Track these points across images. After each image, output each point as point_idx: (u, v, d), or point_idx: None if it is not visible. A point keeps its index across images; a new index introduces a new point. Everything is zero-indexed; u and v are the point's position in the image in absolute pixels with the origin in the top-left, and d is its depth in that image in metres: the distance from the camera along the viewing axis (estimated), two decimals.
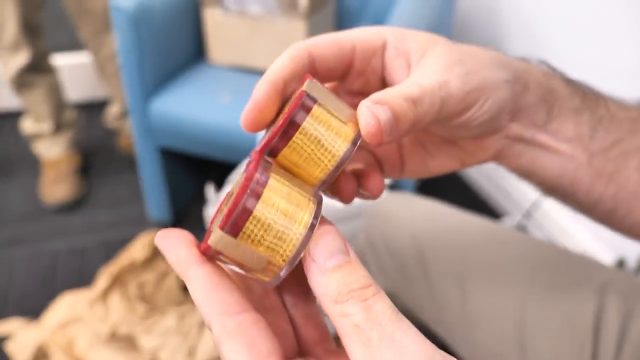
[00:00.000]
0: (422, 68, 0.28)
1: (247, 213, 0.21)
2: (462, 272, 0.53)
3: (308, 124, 0.24)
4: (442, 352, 0.20)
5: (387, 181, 1.20)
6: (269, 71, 0.27)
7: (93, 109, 1.97)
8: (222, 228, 0.21)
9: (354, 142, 0.25)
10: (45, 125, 1.54)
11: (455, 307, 0.53)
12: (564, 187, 0.34)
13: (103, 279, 1.18)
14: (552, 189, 0.35)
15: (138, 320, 1.12)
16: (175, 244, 0.23)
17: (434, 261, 0.55)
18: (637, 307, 0.47)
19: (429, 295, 0.55)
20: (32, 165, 1.68)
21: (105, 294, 1.16)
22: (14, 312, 1.23)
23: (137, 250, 1.25)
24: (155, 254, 1.27)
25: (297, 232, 0.22)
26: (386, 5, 1.38)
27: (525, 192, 1.45)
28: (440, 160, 0.34)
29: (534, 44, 1.32)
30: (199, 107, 1.21)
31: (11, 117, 1.90)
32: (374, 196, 0.31)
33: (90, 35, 1.52)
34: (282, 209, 0.22)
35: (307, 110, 0.24)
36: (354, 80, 0.31)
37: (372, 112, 0.24)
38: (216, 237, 0.22)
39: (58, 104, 1.55)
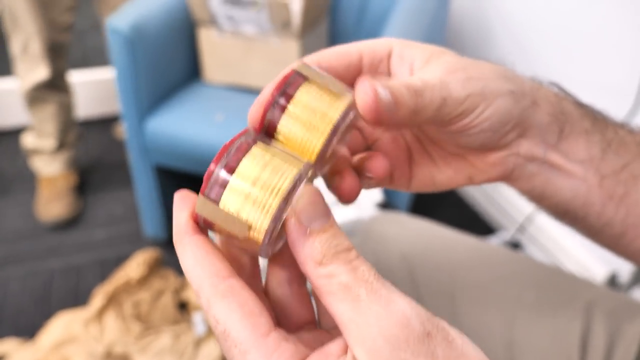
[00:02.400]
0: (425, 70, 0.29)
1: (222, 180, 0.23)
2: (452, 292, 0.54)
3: (301, 93, 0.25)
4: (425, 309, 0.20)
5: (379, 199, 1.21)
6: (279, 76, 0.28)
7: (90, 126, 1.99)
8: (202, 193, 0.23)
9: (349, 108, 0.26)
10: (47, 143, 1.55)
11: None
12: (576, 210, 0.34)
13: (98, 298, 1.18)
14: (564, 212, 0.35)
15: (133, 339, 1.12)
16: (183, 208, 0.24)
17: (424, 281, 0.56)
18: (624, 326, 0.48)
19: None
20: (28, 183, 1.69)
21: (101, 313, 1.16)
22: (8, 331, 1.23)
23: (132, 268, 1.25)
24: (151, 273, 1.27)
25: (272, 201, 0.22)
26: (379, 23, 1.40)
27: (519, 207, 1.47)
28: (448, 174, 0.34)
29: (526, 60, 1.34)
30: (194, 126, 1.22)
31: (8, 135, 1.90)
32: (378, 176, 0.30)
33: None
34: (257, 176, 0.23)
35: (297, 84, 0.26)
36: None
37: (371, 85, 0.25)
38: (199, 202, 0.23)
39: (66, 123, 1.57)
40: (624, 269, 1.12)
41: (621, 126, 0.35)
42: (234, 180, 0.23)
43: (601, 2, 1.10)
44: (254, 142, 0.24)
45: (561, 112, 0.32)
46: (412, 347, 0.19)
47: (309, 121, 0.25)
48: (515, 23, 1.39)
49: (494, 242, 1.31)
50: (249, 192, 0.22)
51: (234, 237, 0.23)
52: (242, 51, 1.28)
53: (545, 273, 0.55)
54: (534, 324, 0.50)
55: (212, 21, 1.25)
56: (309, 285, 0.26)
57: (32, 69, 1.42)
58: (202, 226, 0.24)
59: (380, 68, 0.31)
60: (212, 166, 0.23)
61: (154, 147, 1.26)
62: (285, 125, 0.25)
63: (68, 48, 1.48)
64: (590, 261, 1.26)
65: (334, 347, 0.22)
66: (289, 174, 0.23)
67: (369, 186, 0.31)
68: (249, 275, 0.27)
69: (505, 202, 1.53)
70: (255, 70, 1.29)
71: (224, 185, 0.23)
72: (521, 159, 0.32)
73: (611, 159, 0.33)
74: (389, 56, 0.30)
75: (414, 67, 0.30)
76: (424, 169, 0.34)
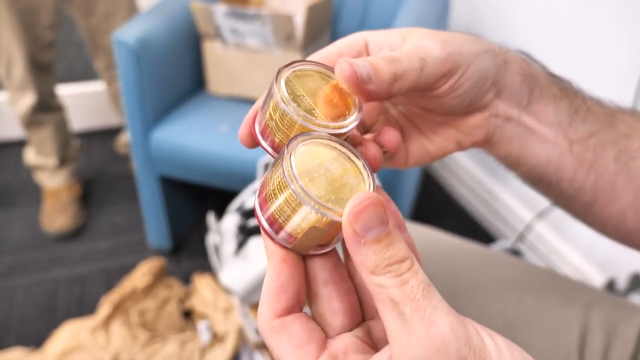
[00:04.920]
0: (403, 45, 0.30)
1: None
2: (453, 296, 0.56)
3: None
4: (474, 323, 0.21)
5: None
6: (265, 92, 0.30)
7: (92, 138, 2.01)
8: (272, 240, 0.25)
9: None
10: (50, 160, 1.57)
11: None
12: (550, 175, 0.35)
13: (104, 307, 1.20)
14: (539, 178, 0.36)
15: (139, 347, 1.14)
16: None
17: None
18: (620, 327, 0.50)
19: None
20: (32, 194, 1.71)
21: (107, 321, 1.17)
22: (15, 341, 1.24)
23: (138, 277, 1.26)
24: (156, 282, 1.29)
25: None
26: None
27: (519, 216, 1.48)
28: (438, 143, 0.35)
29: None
30: (199, 137, 1.25)
31: (12, 147, 1.92)
32: (393, 148, 0.31)
33: (103, 68, 1.58)
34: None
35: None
36: None
37: (347, 60, 0.27)
38: (274, 248, 0.25)
39: (64, 140, 1.59)
40: (622, 274, 1.14)
41: (589, 97, 0.37)
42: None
43: None
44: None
45: (530, 75, 0.34)
46: None
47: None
48: (514, 33, 1.42)
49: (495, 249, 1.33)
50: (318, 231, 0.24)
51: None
52: (246, 63, 1.31)
53: (544, 277, 0.57)
54: (533, 325, 0.52)
55: (217, 34, 1.28)
56: None
57: (20, 96, 1.43)
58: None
59: None
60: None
61: (158, 157, 1.28)
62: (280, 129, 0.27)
63: (52, 66, 1.49)
64: (589, 268, 1.28)
65: (380, 356, 0.23)
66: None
67: (387, 165, 0.33)
68: (331, 268, 0.27)
69: (505, 210, 1.55)
70: (259, 82, 1.32)
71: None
72: (500, 120, 0.34)
73: (579, 126, 0.35)
74: (366, 47, 0.32)
75: (393, 47, 0.31)
76: (417, 142, 0.36)
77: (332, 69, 0.29)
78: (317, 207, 0.23)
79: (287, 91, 0.26)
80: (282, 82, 0.27)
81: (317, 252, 0.26)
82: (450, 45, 0.30)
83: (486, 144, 0.35)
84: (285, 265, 0.24)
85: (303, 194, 0.23)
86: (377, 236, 0.21)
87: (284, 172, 0.23)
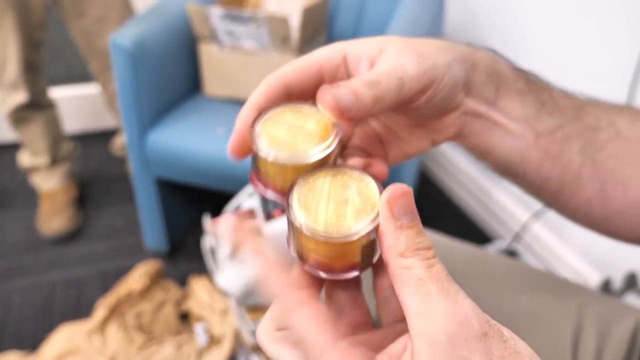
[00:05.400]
0: (380, 62, 0.31)
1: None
2: None
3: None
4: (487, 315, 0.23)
5: None
6: (249, 102, 0.30)
7: (89, 140, 2.01)
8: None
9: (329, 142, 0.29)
10: (42, 159, 1.57)
11: None
12: (516, 166, 0.37)
13: (100, 310, 1.20)
14: (506, 168, 0.38)
15: (136, 350, 1.13)
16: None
17: None
18: (613, 327, 0.50)
19: None
20: (29, 197, 1.70)
21: (103, 324, 1.17)
22: (11, 344, 1.24)
23: (134, 280, 1.26)
24: (152, 284, 1.29)
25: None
26: (377, 33, 1.43)
27: (515, 216, 1.49)
28: (415, 144, 0.37)
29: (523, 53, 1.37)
30: (195, 139, 1.25)
31: (8, 150, 1.92)
32: (383, 179, 0.32)
33: (98, 71, 1.58)
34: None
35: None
36: None
37: (328, 89, 0.28)
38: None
39: (55, 138, 1.58)
40: (618, 274, 1.14)
41: (557, 90, 0.38)
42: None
43: None
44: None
45: (496, 72, 0.35)
46: (470, 344, 0.21)
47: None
48: (508, 33, 1.42)
49: (490, 250, 1.33)
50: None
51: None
52: (242, 65, 1.31)
53: (539, 278, 0.57)
54: (528, 325, 0.52)
55: (213, 36, 1.28)
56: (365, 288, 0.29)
57: (10, 95, 1.43)
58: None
59: (339, 74, 0.33)
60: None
61: (155, 159, 1.28)
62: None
63: (42, 66, 1.49)
64: (585, 268, 1.28)
65: (395, 347, 0.24)
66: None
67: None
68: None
69: (501, 211, 1.55)
70: (255, 84, 1.31)
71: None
72: (469, 117, 0.35)
73: (545, 119, 0.36)
74: (344, 59, 0.33)
75: (371, 60, 0.32)
76: (395, 147, 0.37)
77: (299, 103, 0.30)
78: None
79: (266, 139, 0.28)
80: (261, 137, 0.28)
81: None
82: (425, 60, 0.31)
83: (457, 138, 0.37)
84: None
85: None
86: (410, 222, 0.24)
87: (302, 232, 0.25)
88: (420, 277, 0.23)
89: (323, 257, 0.25)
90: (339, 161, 0.31)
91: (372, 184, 0.27)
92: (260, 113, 0.30)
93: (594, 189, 0.38)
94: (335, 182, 0.27)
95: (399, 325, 0.27)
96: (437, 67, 0.31)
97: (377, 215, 0.25)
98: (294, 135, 0.28)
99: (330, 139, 0.28)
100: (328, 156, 0.28)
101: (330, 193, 0.26)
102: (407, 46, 0.31)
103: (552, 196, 0.39)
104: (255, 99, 0.31)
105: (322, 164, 0.28)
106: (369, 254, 0.26)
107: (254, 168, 0.29)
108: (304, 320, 0.24)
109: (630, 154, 0.38)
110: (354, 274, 0.26)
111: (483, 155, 0.38)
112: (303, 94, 0.32)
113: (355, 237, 0.24)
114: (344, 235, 0.24)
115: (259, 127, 0.29)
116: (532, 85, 0.37)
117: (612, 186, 0.38)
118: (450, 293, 0.22)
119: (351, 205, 0.25)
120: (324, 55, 0.32)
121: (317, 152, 0.28)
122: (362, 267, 0.26)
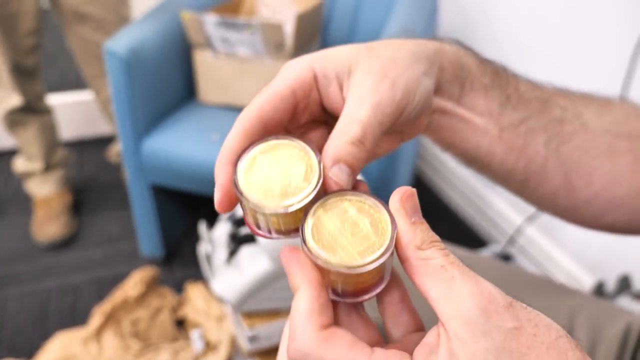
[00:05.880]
0: (353, 94, 0.31)
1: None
2: None
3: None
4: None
5: None
6: (225, 151, 0.29)
7: (84, 146, 2.01)
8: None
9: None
10: (36, 165, 1.57)
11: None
12: (481, 158, 0.38)
13: (96, 317, 1.19)
14: (471, 160, 0.39)
15: (132, 357, 1.13)
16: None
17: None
18: (604, 329, 0.51)
19: None
20: (23, 204, 1.70)
21: (99, 331, 1.17)
22: (6, 352, 1.23)
23: (130, 287, 1.26)
24: (148, 291, 1.29)
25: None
26: (371, 39, 1.44)
27: (510, 220, 1.50)
28: (386, 147, 0.38)
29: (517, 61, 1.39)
30: (190, 146, 1.25)
31: (3, 157, 1.92)
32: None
33: (92, 77, 1.57)
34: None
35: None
36: (300, 116, 0.33)
37: (332, 180, 0.28)
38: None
39: (50, 144, 1.58)
40: (611, 277, 1.15)
41: (525, 82, 0.39)
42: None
43: None
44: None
45: (461, 69, 0.36)
46: (501, 314, 0.23)
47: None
48: (501, 34, 1.43)
49: (485, 254, 1.34)
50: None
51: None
52: (236, 72, 1.31)
53: (533, 282, 0.57)
54: None
55: (207, 43, 1.29)
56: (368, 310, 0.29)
57: (4, 98, 1.43)
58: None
59: (312, 95, 0.32)
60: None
61: (150, 166, 1.28)
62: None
63: (39, 70, 1.50)
64: (578, 271, 1.29)
65: (429, 338, 0.24)
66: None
67: None
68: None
69: (496, 215, 1.56)
70: (250, 90, 1.33)
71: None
72: (437, 114, 0.36)
73: (509, 114, 0.37)
74: (315, 81, 0.32)
75: (342, 84, 0.32)
76: None
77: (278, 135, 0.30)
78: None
79: (253, 191, 0.28)
80: (248, 192, 0.28)
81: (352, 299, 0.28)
82: (397, 87, 0.31)
83: (424, 132, 0.38)
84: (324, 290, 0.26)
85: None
86: (420, 219, 0.26)
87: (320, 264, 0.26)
88: (442, 264, 0.24)
89: (349, 286, 0.26)
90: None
91: (373, 204, 0.27)
92: (239, 155, 0.29)
93: (559, 180, 0.39)
94: (340, 213, 0.27)
95: (415, 336, 0.27)
96: (409, 91, 0.32)
97: (391, 236, 0.26)
98: (280, 178, 0.28)
99: (316, 173, 0.28)
100: (318, 192, 0.28)
101: (341, 223, 0.27)
102: (378, 70, 0.31)
103: (518, 186, 0.40)
104: (233, 140, 0.29)
105: (315, 201, 0.27)
106: (387, 268, 0.27)
107: (248, 217, 0.29)
108: (340, 350, 0.24)
109: (595, 145, 0.39)
110: (380, 288, 0.28)
111: (448, 147, 0.39)
112: (278, 125, 0.31)
113: (381, 261, 0.25)
114: (369, 261, 0.25)
115: (241, 180, 0.28)
116: (498, 79, 0.37)
117: (577, 177, 0.39)
118: (470, 275, 0.24)
119: (364, 229, 0.26)
120: (295, 79, 0.31)
121: (310, 191, 0.27)
122: (384, 281, 0.28)
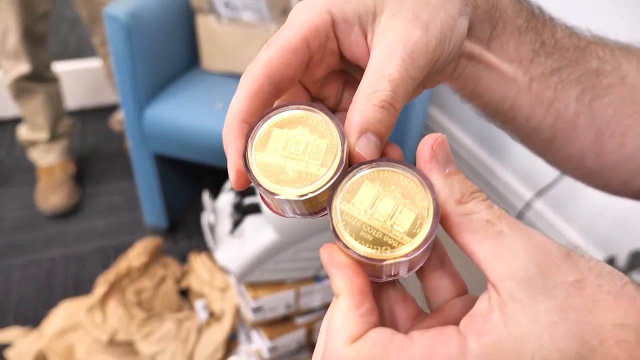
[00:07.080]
0: (380, 43, 0.26)
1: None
2: None
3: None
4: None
5: None
6: (232, 119, 0.26)
7: (86, 116, 1.98)
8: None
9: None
10: (41, 135, 1.55)
11: None
12: (505, 111, 0.34)
13: (100, 287, 1.19)
14: (494, 112, 0.35)
15: (136, 326, 1.13)
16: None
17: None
18: None
19: None
20: (27, 173, 1.69)
21: (103, 300, 1.17)
22: (12, 320, 1.24)
23: (134, 257, 1.25)
24: (152, 261, 1.28)
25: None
26: None
27: (518, 194, 1.47)
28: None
29: None
30: (193, 114, 1.22)
31: (6, 125, 1.90)
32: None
33: (99, 43, 1.55)
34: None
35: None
36: (315, 70, 0.29)
37: (360, 153, 0.25)
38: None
39: (56, 114, 1.56)
40: (622, 253, 1.13)
41: (564, 28, 0.34)
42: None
43: None
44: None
45: (495, 7, 0.31)
46: (560, 268, 0.20)
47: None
48: None
49: None
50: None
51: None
52: (241, 38, 1.28)
53: None
54: None
55: (211, 8, 1.25)
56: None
57: (13, 66, 1.41)
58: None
59: (329, 45, 0.28)
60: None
61: (153, 135, 1.26)
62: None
63: (46, 38, 1.47)
64: (588, 246, 1.27)
65: (479, 306, 0.21)
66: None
67: None
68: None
69: (504, 189, 1.54)
70: (254, 57, 1.29)
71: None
72: (463, 59, 0.32)
73: (542, 62, 0.33)
74: (333, 27, 0.27)
75: (366, 29, 0.27)
76: None
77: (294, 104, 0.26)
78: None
79: (266, 176, 0.24)
80: (261, 177, 0.25)
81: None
82: (431, 34, 0.27)
83: (446, 81, 0.34)
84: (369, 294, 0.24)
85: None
86: (455, 169, 0.23)
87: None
88: (487, 218, 0.21)
89: (395, 269, 0.24)
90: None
91: (406, 173, 0.24)
92: (251, 128, 0.25)
93: (589, 139, 0.35)
94: (367, 193, 0.24)
95: (458, 302, 0.25)
96: (444, 37, 0.27)
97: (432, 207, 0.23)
98: (297, 160, 0.25)
99: (338, 154, 0.24)
100: (339, 177, 0.25)
101: (371, 208, 0.23)
102: (406, 10, 0.27)
103: (542, 144, 0.36)
104: (238, 106, 0.26)
105: (336, 185, 0.24)
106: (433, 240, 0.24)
107: (261, 194, 0.26)
108: (372, 342, 0.21)
109: (632, 101, 0.34)
110: (424, 261, 0.25)
111: (470, 97, 0.35)
112: (290, 82, 0.27)
113: (431, 240, 0.22)
114: (417, 246, 0.22)
115: (253, 161, 0.25)
116: (534, 21, 0.33)
117: (609, 136, 0.35)
118: (520, 227, 0.21)
119: (399, 205, 0.23)
120: (308, 26, 0.26)
121: (329, 177, 0.24)
122: (428, 254, 0.25)
